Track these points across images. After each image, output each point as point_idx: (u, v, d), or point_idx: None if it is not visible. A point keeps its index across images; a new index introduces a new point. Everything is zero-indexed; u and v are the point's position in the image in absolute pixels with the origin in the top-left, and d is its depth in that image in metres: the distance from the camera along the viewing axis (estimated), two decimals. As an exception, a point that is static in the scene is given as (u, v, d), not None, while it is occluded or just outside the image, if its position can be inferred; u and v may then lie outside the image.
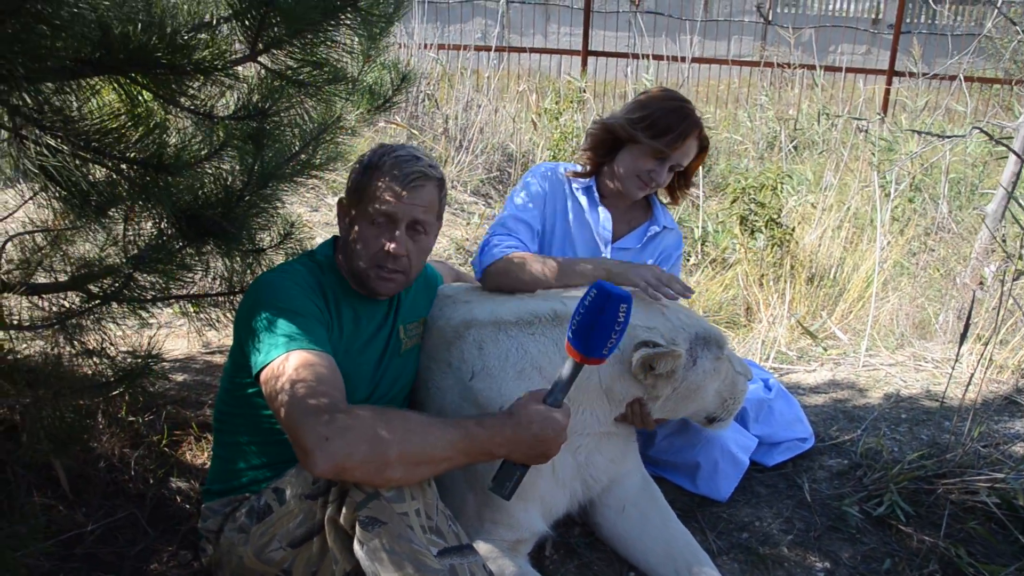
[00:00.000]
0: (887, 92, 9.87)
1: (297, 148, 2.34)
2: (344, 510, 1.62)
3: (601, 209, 2.59)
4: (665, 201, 2.73)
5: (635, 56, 9.63)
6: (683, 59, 9.29)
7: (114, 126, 1.69)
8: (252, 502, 1.87)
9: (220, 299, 2.53)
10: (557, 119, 7.18)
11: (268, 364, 1.70)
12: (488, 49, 8.45)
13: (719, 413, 2.33)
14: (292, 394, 1.62)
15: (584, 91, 8.41)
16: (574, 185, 2.62)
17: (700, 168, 2.64)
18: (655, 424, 2.26)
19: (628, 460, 2.36)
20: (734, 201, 5.31)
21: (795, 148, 8.36)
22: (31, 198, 2.09)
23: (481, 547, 2.04)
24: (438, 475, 1.68)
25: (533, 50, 10.58)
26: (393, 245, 1.91)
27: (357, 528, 1.59)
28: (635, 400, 2.17)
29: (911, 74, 9.16)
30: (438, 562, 1.57)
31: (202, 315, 2.52)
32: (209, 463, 2.48)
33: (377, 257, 1.93)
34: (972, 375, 2.79)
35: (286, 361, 1.68)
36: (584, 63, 10.49)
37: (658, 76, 9.17)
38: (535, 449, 1.72)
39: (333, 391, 1.65)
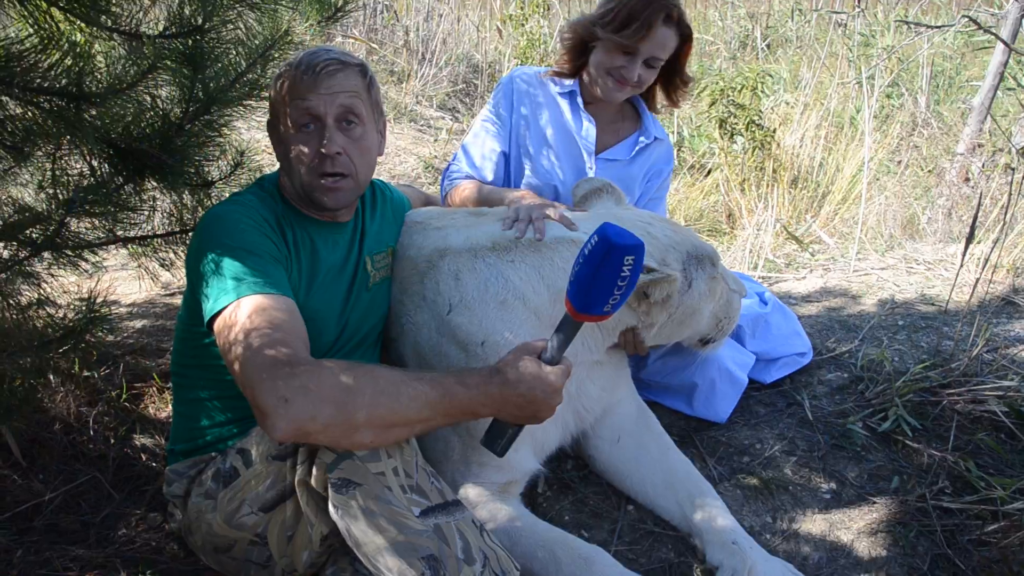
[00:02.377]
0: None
1: (243, 68, 2.11)
2: (315, 471, 1.46)
3: (584, 116, 2.40)
4: (664, 104, 2.53)
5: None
6: (651, -44, 8.88)
7: (22, 51, 1.46)
8: (218, 464, 1.71)
9: (172, 238, 2.32)
10: (523, 25, 6.84)
11: (219, 312, 1.52)
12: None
13: (714, 334, 2.19)
14: (247, 347, 1.43)
15: (546, -6, 8.02)
16: (555, 88, 2.43)
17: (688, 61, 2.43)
18: (648, 351, 2.13)
19: (621, 388, 2.23)
20: (712, 104, 5.09)
21: (768, 47, 8.09)
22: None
23: (470, 491, 1.92)
24: (414, 436, 1.52)
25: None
26: (325, 142, 1.71)
27: (330, 491, 1.43)
28: (628, 328, 2.02)
29: (886, -37, 8.82)
30: (421, 523, 1.42)
31: (153, 256, 2.32)
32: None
33: (314, 165, 1.74)
34: (977, 280, 2.66)
35: (238, 308, 1.50)
36: (548, -35, 10.02)
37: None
38: (524, 410, 1.54)
39: (293, 340, 1.47)
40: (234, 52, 2.05)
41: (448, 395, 1.48)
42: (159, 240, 2.30)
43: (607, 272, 1.39)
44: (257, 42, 2.10)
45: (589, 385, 2.12)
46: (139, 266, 2.34)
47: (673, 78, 2.46)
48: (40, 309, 1.83)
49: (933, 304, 3.02)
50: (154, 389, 2.41)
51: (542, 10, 7.28)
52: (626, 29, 2.24)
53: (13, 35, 1.46)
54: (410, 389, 1.44)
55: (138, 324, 2.83)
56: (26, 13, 1.45)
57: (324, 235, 1.84)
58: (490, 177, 2.47)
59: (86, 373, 2.34)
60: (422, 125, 5.70)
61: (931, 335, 2.72)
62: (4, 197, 2.13)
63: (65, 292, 2.09)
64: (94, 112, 1.55)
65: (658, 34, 2.25)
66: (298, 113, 1.71)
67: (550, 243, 1.96)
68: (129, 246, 2.30)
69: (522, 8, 7.18)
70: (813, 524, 2.03)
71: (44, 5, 1.50)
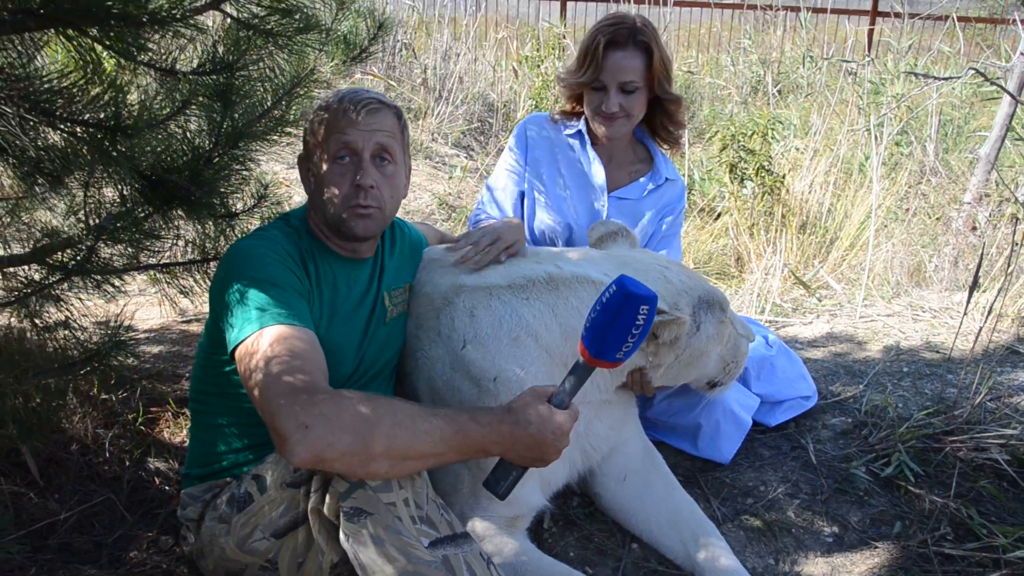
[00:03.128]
0: (871, 33, 9.69)
1: (269, 104, 2.19)
2: (328, 500, 1.50)
3: (593, 156, 2.50)
4: (673, 131, 2.59)
5: (616, 0, 9.37)
6: (664, 3, 9.05)
7: (65, 85, 1.53)
8: (232, 489, 1.75)
9: (193, 267, 2.38)
10: (538, 66, 6.97)
11: (242, 341, 1.57)
12: (465, -6, 8.18)
13: (721, 378, 2.23)
14: (267, 374, 1.48)
15: (564, 37, 8.17)
16: (565, 131, 2.52)
17: (676, 107, 2.50)
18: (655, 392, 2.17)
19: (628, 427, 2.26)
20: (723, 149, 5.17)
21: (779, 92, 8.20)
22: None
23: (478, 525, 1.95)
24: (426, 470, 1.56)
25: (513, -5, 10.30)
26: (360, 175, 1.78)
27: (342, 519, 1.47)
28: (636, 368, 2.06)
29: (896, 14, 8.97)
30: (430, 553, 1.46)
31: (174, 284, 2.38)
32: (188, 442, 2.36)
33: (348, 195, 1.79)
34: (980, 329, 2.70)
35: (260, 337, 1.55)
36: (563, 8, 10.23)
37: (643, 19, 8.92)
38: (532, 451, 1.58)
39: (313, 371, 1.52)
40: (261, 89, 2.14)
41: (462, 431, 1.53)
42: (180, 268, 2.36)
43: (623, 320, 1.45)
44: (283, 80, 2.18)
45: (597, 424, 2.16)
46: (160, 292, 2.39)
47: (661, 100, 2.50)
48: (64, 331, 1.88)
49: (938, 352, 3.05)
50: (169, 414, 2.46)
51: (557, 52, 7.43)
52: (581, 69, 2.37)
53: (54, 70, 1.52)
54: (426, 423, 1.49)
55: (155, 349, 2.88)
56: (71, 48, 1.52)
57: (345, 271, 1.90)
58: (511, 216, 2.54)
59: (104, 396, 2.39)
60: (437, 162, 5.79)
61: (935, 382, 2.75)
62: (34, 221, 2.21)
63: (84, 315, 2.14)
64: (129, 144, 1.61)
65: (610, 60, 2.34)
66: (337, 146, 1.78)
67: (567, 282, 2.02)
68: (150, 272, 2.37)
69: (538, 50, 7.33)
70: (815, 567, 2.05)
71: (89, 42, 1.57)
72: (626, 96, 2.37)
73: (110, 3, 1.45)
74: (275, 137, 2.22)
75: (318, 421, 1.40)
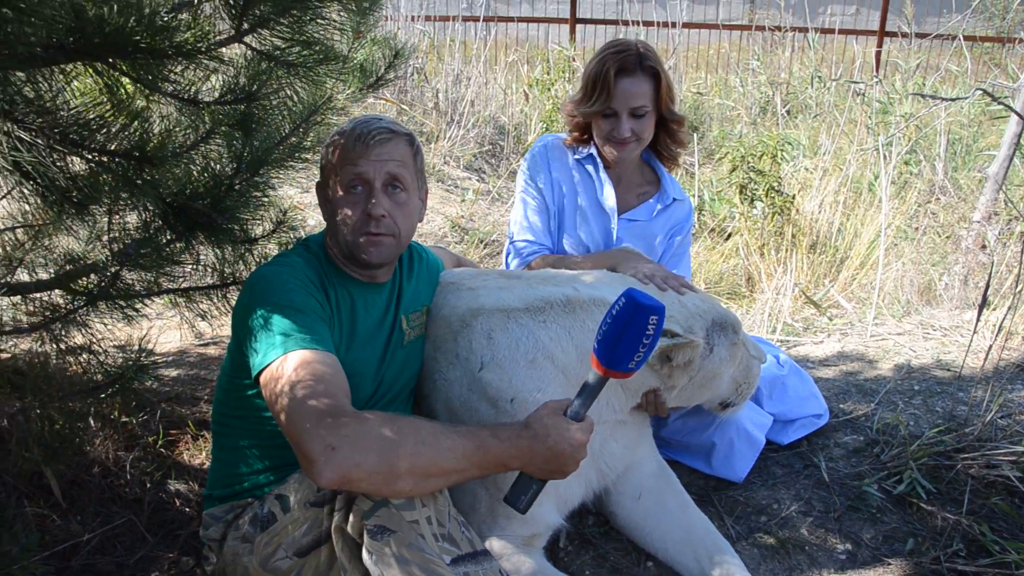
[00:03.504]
0: (878, 54, 9.75)
1: (287, 131, 2.24)
2: (351, 518, 1.53)
3: (605, 179, 2.54)
4: (676, 150, 2.64)
5: (624, 23, 9.46)
6: (673, 24, 9.13)
7: (92, 116, 1.58)
8: (255, 509, 1.78)
9: (212, 291, 2.43)
10: (549, 89, 7.04)
11: (267, 366, 1.61)
12: (476, 19, 8.28)
13: (733, 399, 2.26)
14: (293, 398, 1.52)
15: (573, 59, 8.26)
16: (576, 157, 2.56)
17: (681, 129, 2.55)
18: (669, 412, 2.20)
19: (643, 446, 2.29)
20: (733, 170, 5.21)
21: (788, 112, 8.24)
22: (5, 195, 1.99)
23: (495, 544, 1.97)
24: (448, 487, 1.60)
25: (521, 19, 10.43)
26: (371, 204, 1.82)
27: (365, 537, 1.50)
28: (650, 390, 2.09)
29: (903, 34, 9.02)
30: (451, 571, 1.49)
31: (194, 308, 2.42)
32: (208, 463, 2.39)
33: (359, 224, 1.83)
34: (990, 346, 2.72)
35: (285, 362, 1.59)
36: (572, 31, 10.33)
37: (647, 42, 9.00)
38: (551, 464, 1.62)
39: (337, 393, 1.56)
40: (279, 117, 2.19)
41: (482, 447, 1.57)
42: (199, 293, 2.41)
43: (633, 331, 1.50)
44: (300, 108, 2.24)
45: (612, 443, 2.19)
46: (179, 316, 2.44)
47: (665, 121, 2.55)
48: (88, 355, 1.93)
49: (949, 370, 3.06)
50: (189, 436, 2.50)
51: (567, 75, 7.51)
52: (592, 96, 2.40)
53: (82, 101, 1.57)
54: (448, 441, 1.53)
55: (173, 372, 2.93)
56: (99, 81, 1.58)
57: (364, 295, 1.94)
58: (553, 243, 2.61)
59: (124, 419, 2.43)
60: (449, 185, 5.85)
61: (946, 400, 2.76)
62: (53, 247, 2.27)
63: (103, 339, 2.19)
64: (154, 172, 1.66)
65: (621, 87, 2.38)
66: (348, 177, 1.82)
67: (584, 304, 2.06)
68: (170, 297, 2.42)
69: (548, 73, 7.41)
70: (829, 585, 2.07)
71: (116, 75, 1.63)
72: (637, 120, 2.42)
73: (138, 38, 1.51)
74: (292, 163, 2.27)
75: (344, 443, 1.44)
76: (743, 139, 6.08)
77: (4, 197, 1.90)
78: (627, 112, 2.41)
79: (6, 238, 2.10)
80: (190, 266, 2.19)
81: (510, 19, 10.25)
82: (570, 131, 2.60)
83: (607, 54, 2.41)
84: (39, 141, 1.53)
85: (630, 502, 2.25)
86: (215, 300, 2.44)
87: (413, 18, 7.65)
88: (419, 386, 2.15)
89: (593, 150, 2.57)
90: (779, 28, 9.71)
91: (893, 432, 2.54)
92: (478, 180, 6.13)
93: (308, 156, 2.31)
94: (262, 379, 1.62)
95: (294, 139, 2.27)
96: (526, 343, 2.03)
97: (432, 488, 1.54)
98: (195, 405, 2.67)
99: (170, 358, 3.05)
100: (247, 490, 1.86)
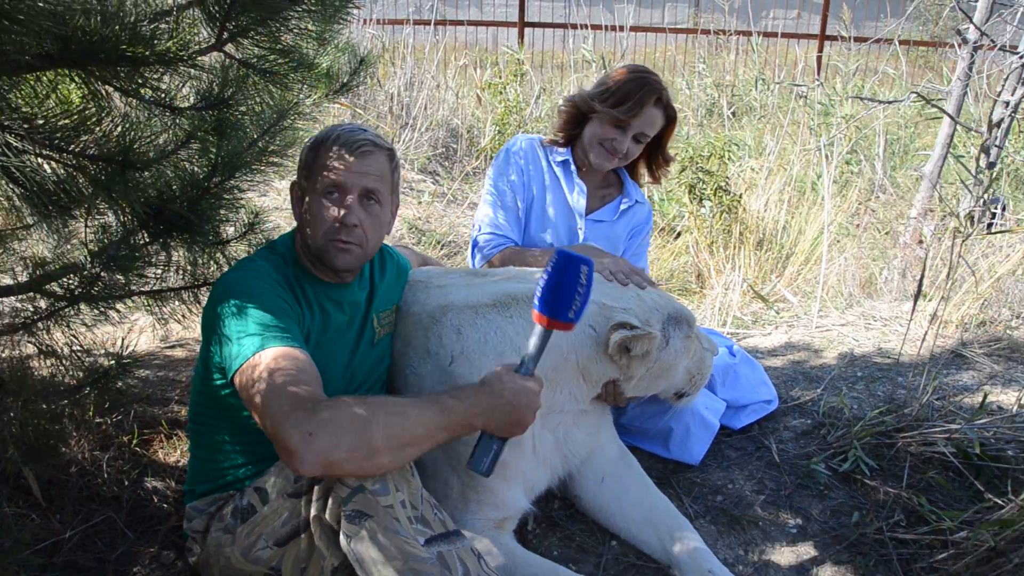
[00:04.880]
0: (819, 57, 10.07)
1: (255, 136, 2.30)
2: (330, 505, 1.61)
3: (577, 183, 2.66)
4: (647, 181, 2.82)
5: (572, 26, 9.62)
6: (620, 28, 9.32)
7: (75, 122, 1.64)
8: (236, 501, 1.85)
9: (184, 292, 2.48)
10: (501, 93, 7.15)
11: (241, 367, 1.66)
12: (427, 23, 8.36)
13: (687, 388, 2.38)
14: (267, 393, 1.58)
15: (522, 62, 8.38)
16: (552, 157, 2.68)
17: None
18: (627, 402, 2.32)
19: (603, 433, 2.40)
20: (683, 170, 5.38)
21: (734, 114, 8.48)
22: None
23: (467, 529, 2.06)
24: (423, 454, 1.67)
25: (470, 23, 10.51)
26: (344, 213, 1.88)
27: (343, 522, 1.58)
28: (610, 380, 2.21)
29: (842, 38, 9.34)
30: (425, 551, 1.57)
31: (165, 309, 2.47)
32: (184, 461, 2.45)
33: (331, 230, 1.89)
34: (925, 333, 2.90)
35: (259, 360, 1.65)
36: (521, 34, 10.46)
37: (595, 46, 9.17)
38: (511, 416, 1.72)
39: (310, 383, 1.62)
40: (249, 122, 2.26)
41: (447, 410, 1.66)
42: (172, 294, 2.46)
43: (568, 280, 1.69)
44: (270, 113, 2.30)
45: (575, 431, 2.30)
46: (154, 317, 2.49)
47: (656, 156, 2.74)
48: (70, 353, 1.98)
49: (888, 357, 3.24)
50: (162, 435, 2.54)
51: (518, 78, 7.63)
52: (621, 106, 2.52)
53: (64, 109, 1.63)
54: (416, 410, 1.62)
55: (142, 374, 2.96)
56: (84, 88, 1.64)
57: (332, 295, 2.01)
58: (518, 239, 2.71)
59: (98, 420, 2.47)
60: (404, 188, 5.92)
61: (886, 385, 2.94)
62: (37, 252, 2.31)
63: (85, 338, 2.23)
64: (137, 176, 1.72)
65: (648, 112, 2.53)
66: (327, 183, 1.89)
67: None
68: (143, 299, 2.46)
69: (500, 76, 7.52)
70: (781, 556, 2.21)
71: (99, 82, 1.69)
72: (635, 143, 2.60)
73: (124, 47, 1.58)
74: (261, 167, 2.34)
75: (320, 427, 1.50)
76: (691, 140, 6.27)
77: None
78: (635, 133, 2.57)
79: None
80: (162, 268, 2.24)
81: (460, 23, 10.33)
82: (562, 125, 2.70)
83: (651, 79, 2.55)
84: (27, 146, 1.59)
85: (594, 486, 2.36)
86: (187, 301, 2.49)
87: (364, 22, 7.69)
88: (390, 380, 2.24)
89: (568, 155, 2.69)
90: (723, 32, 9.99)
91: (838, 415, 2.70)
92: (433, 182, 6.21)
93: (276, 160, 2.38)
94: (236, 379, 1.67)
95: (261, 143, 2.33)
96: (494, 337, 2.13)
97: (409, 457, 1.62)
98: (166, 405, 2.71)
99: (138, 361, 3.07)
100: (229, 483, 1.93)
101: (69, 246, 2.10)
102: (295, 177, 2.03)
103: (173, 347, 3.22)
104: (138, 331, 3.33)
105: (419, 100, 6.91)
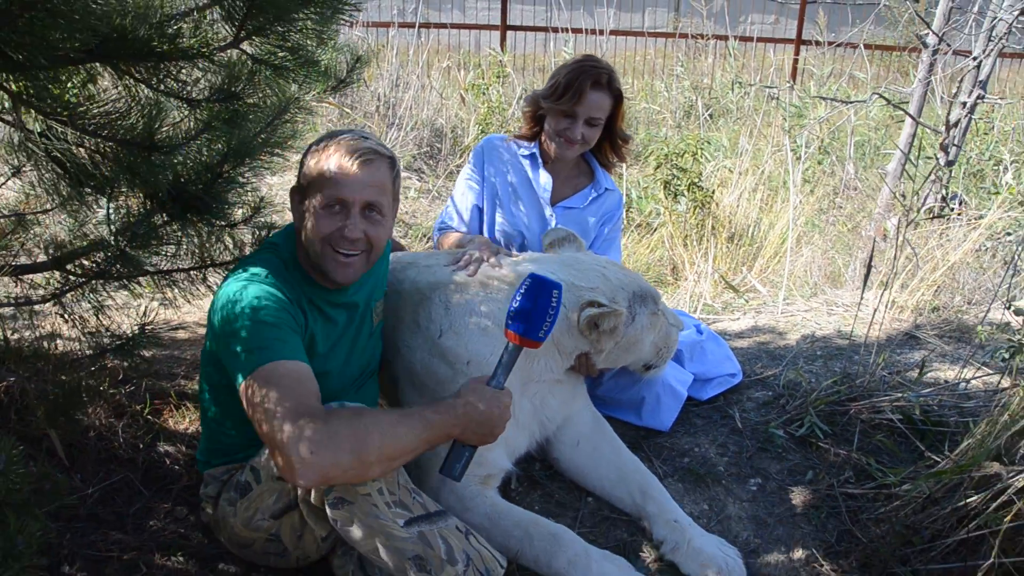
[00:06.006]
0: (795, 61, 10.36)
1: (259, 128, 2.50)
2: (313, 493, 1.77)
3: (542, 173, 2.88)
4: (615, 161, 3.01)
5: (554, 30, 9.85)
6: (600, 32, 9.55)
7: (110, 111, 1.84)
8: (238, 476, 2.02)
9: (191, 273, 2.67)
10: (484, 93, 7.37)
11: (244, 381, 1.76)
12: (411, 26, 8.56)
13: (655, 361, 2.62)
14: (268, 411, 1.67)
15: (504, 64, 8.61)
16: (520, 151, 2.89)
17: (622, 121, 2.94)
18: (599, 373, 2.54)
19: (578, 400, 2.62)
20: (657, 167, 5.62)
21: (711, 116, 8.75)
22: (12, 174, 2.22)
23: (457, 487, 2.24)
24: (407, 463, 1.81)
25: (454, 26, 10.72)
26: (348, 228, 1.93)
27: (328, 508, 1.74)
28: (582, 353, 2.43)
29: (817, 43, 9.63)
30: (405, 531, 1.74)
31: (175, 289, 2.66)
32: (192, 429, 2.64)
33: (331, 239, 1.94)
34: (874, 313, 3.14)
35: (260, 375, 1.73)
36: (503, 37, 10.68)
37: (576, 49, 9.40)
38: (483, 427, 1.85)
39: (309, 400, 1.72)
40: (257, 114, 2.46)
41: (429, 424, 1.78)
42: (180, 274, 2.65)
43: (541, 303, 1.84)
44: (275, 104, 2.49)
45: (551, 399, 2.52)
46: (162, 296, 2.67)
47: (613, 136, 2.94)
48: (97, 320, 2.17)
49: (846, 338, 3.48)
50: (172, 406, 2.74)
51: (501, 80, 7.85)
52: (563, 97, 2.74)
53: (107, 97, 1.82)
54: (402, 427, 1.74)
55: (147, 353, 3.14)
56: (119, 78, 1.83)
57: (332, 299, 2.09)
58: (465, 228, 2.94)
59: (112, 391, 2.66)
60: (391, 183, 6.11)
61: (842, 361, 3.18)
62: (46, 234, 2.50)
63: (92, 312, 2.42)
64: (163, 159, 1.92)
65: (589, 97, 2.74)
66: (329, 194, 1.93)
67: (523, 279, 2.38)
68: (149, 279, 2.65)
69: (483, 78, 7.74)
70: (742, 510, 2.43)
71: (132, 74, 1.89)
72: (589, 128, 2.80)
73: (154, 43, 1.78)
74: (264, 158, 2.54)
75: (318, 446, 1.61)
76: (667, 140, 6.52)
77: (12, 176, 2.12)
78: (584, 119, 2.77)
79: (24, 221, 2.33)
80: (175, 245, 2.43)
81: (443, 25, 10.54)
82: (525, 123, 2.94)
83: (586, 65, 2.75)
84: (67, 131, 1.79)
85: (570, 449, 2.58)
86: (195, 281, 2.68)
87: (351, 24, 7.88)
88: (383, 351, 2.44)
89: (535, 148, 2.91)
90: (702, 36, 10.26)
91: (796, 387, 2.94)
92: (418, 179, 6.42)
93: (279, 152, 2.58)
94: (241, 391, 1.76)
95: (263, 136, 2.53)
96: (478, 313, 2.35)
97: (395, 467, 1.76)
98: (173, 379, 2.90)
99: (143, 340, 3.26)
100: (241, 458, 2.09)
101: (91, 226, 2.29)
102: (295, 179, 2.10)
103: (176, 329, 3.40)
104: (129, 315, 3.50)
105: (404, 100, 7.11)
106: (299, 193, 2.06)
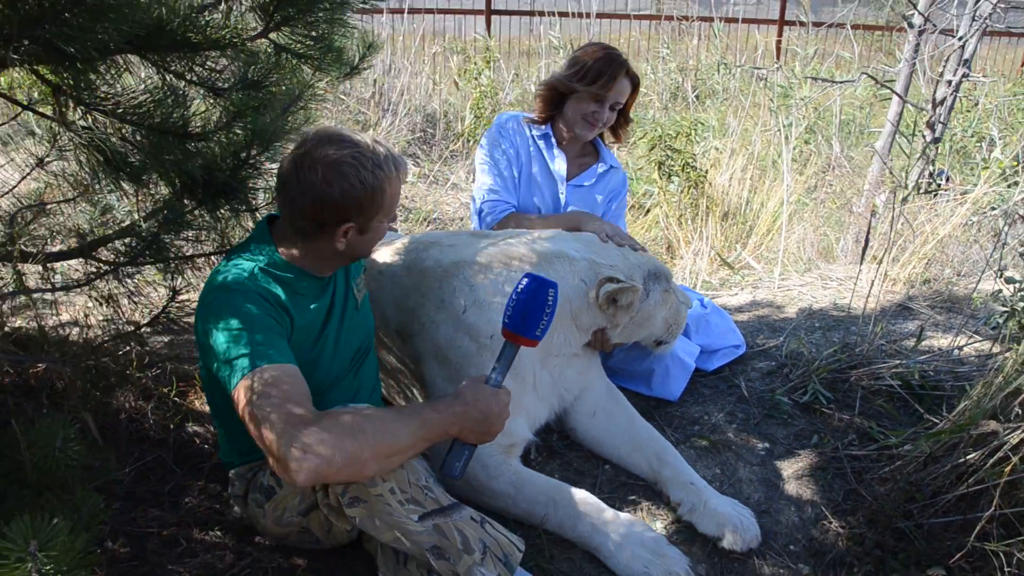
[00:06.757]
0: (779, 42, 10.46)
1: (277, 114, 2.57)
2: (330, 492, 1.83)
3: (557, 152, 2.97)
4: (611, 141, 3.11)
5: (540, 14, 9.89)
6: (587, 15, 9.60)
7: (147, 100, 1.91)
8: (261, 478, 2.10)
9: (213, 258, 2.74)
10: (476, 79, 7.43)
11: (235, 387, 1.78)
12: (400, 12, 8.59)
13: (665, 337, 2.73)
14: (261, 414, 1.70)
15: (489, 49, 8.66)
16: (533, 132, 2.99)
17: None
18: (613, 347, 2.65)
19: (593, 373, 2.73)
20: (652, 149, 5.72)
21: (698, 97, 8.84)
22: (35, 165, 2.29)
23: (481, 451, 2.33)
24: (406, 461, 1.83)
25: (440, 11, 10.73)
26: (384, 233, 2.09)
27: (345, 507, 1.80)
28: (599, 329, 2.53)
29: (800, 23, 9.73)
30: (420, 525, 1.81)
31: (196, 272, 2.73)
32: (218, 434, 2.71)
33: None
34: (871, 285, 3.26)
35: (250, 381, 1.75)
36: (488, 22, 10.71)
37: (563, 32, 9.45)
38: (482, 425, 1.88)
39: (301, 401, 1.74)
40: (277, 102, 2.53)
41: (426, 423, 1.82)
42: (204, 259, 2.73)
43: (538, 301, 1.88)
44: (298, 90, 2.56)
45: (568, 371, 2.62)
46: (181, 281, 2.75)
47: (620, 119, 3.05)
48: (133, 299, 2.25)
49: (843, 311, 3.60)
50: (197, 388, 2.81)
51: (492, 65, 7.92)
52: (597, 82, 2.85)
53: (145, 88, 1.89)
54: (398, 425, 1.78)
55: (165, 339, 3.22)
56: (153, 71, 1.91)
57: (318, 286, 2.11)
58: (515, 201, 3.02)
59: (138, 374, 2.73)
60: (388, 169, 6.18)
61: (840, 332, 3.29)
62: (71, 224, 2.57)
63: (127, 294, 2.49)
64: (196, 146, 1.99)
65: (620, 84, 2.87)
66: (387, 214, 2.02)
67: (548, 257, 2.48)
68: (162, 265, 2.71)
69: (474, 63, 7.79)
70: (752, 473, 2.55)
71: (160, 67, 1.96)
72: (612, 112, 2.94)
73: (190, 35, 1.85)
74: (280, 144, 2.61)
75: (312, 447, 1.64)
76: (657, 122, 6.61)
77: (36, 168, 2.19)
78: (610, 103, 2.90)
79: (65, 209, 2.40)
80: (202, 231, 2.50)
81: (430, 11, 10.55)
82: (541, 106, 3.01)
83: (615, 55, 2.87)
84: (107, 121, 1.86)
85: (586, 419, 2.68)
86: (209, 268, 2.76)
87: (370, 12, 7.92)
88: (406, 326, 2.52)
89: (548, 128, 3.00)
90: (687, 18, 10.34)
91: (798, 357, 3.05)
92: (414, 164, 6.48)
93: (294, 136, 2.65)
94: (233, 397, 1.78)
95: (279, 122, 2.60)
96: (502, 289, 2.44)
97: (393, 465, 1.78)
98: (194, 363, 2.97)
99: (159, 327, 3.33)
100: (259, 456, 2.11)
101: (121, 212, 2.36)
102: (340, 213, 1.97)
103: (190, 315, 3.47)
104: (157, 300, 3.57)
105: (397, 87, 7.16)
106: (347, 221, 1.98)
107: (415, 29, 8.55)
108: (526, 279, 1.89)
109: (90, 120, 1.85)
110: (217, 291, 1.92)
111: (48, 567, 1.35)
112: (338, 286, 2.20)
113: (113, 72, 1.89)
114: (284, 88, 2.49)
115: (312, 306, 2.08)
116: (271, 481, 2.06)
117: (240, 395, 1.76)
